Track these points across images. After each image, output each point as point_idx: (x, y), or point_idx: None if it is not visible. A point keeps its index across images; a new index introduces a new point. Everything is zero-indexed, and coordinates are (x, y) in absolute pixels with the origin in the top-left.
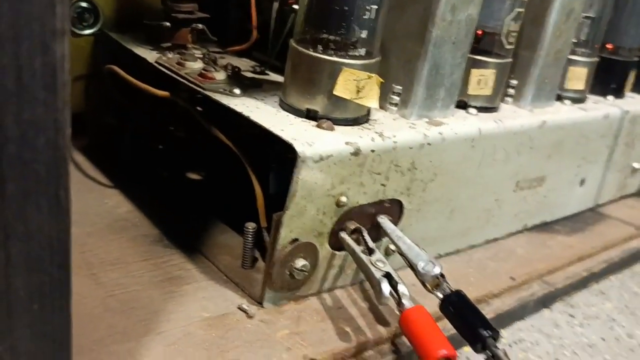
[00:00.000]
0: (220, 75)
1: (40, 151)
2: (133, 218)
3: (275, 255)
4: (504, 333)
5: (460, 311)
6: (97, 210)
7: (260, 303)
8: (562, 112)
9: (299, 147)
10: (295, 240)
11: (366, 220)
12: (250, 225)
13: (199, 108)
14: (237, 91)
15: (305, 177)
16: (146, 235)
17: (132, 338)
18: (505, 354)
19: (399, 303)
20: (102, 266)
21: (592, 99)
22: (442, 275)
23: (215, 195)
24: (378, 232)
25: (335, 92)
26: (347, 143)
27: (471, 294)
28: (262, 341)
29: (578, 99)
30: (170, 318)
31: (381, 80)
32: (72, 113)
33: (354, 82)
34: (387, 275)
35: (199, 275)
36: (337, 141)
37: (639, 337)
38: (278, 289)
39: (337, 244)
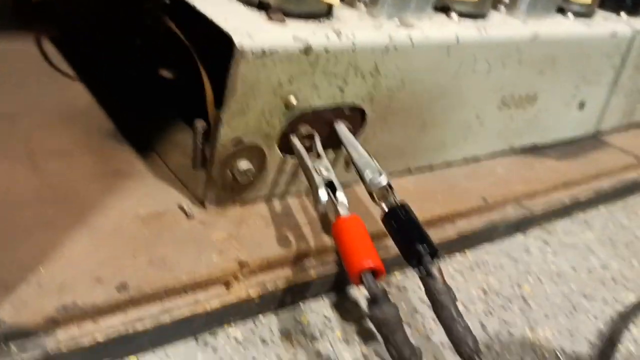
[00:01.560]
0: None
1: None
2: (91, 111)
3: (215, 154)
4: (469, 255)
5: (401, 225)
6: (55, 101)
7: (202, 204)
8: (560, 26)
9: (237, 39)
10: (240, 141)
11: (323, 126)
12: (199, 123)
13: (166, 1)
14: None
15: (245, 72)
16: (100, 128)
17: (59, 228)
18: (440, 271)
19: (336, 211)
20: (45, 156)
21: (601, 14)
22: (389, 186)
23: (178, 92)
24: (337, 141)
25: None
26: (295, 38)
27: (435, 212)
28: (194, 241)
29: (583, 13)
30: (104, 212)
31: None
32: (44, 1)
33: None
34: (329, 183)
35: (145, 172)
36: (284, 35)
37: (613, 269)
38: (220, 190)
39: (289, 148)
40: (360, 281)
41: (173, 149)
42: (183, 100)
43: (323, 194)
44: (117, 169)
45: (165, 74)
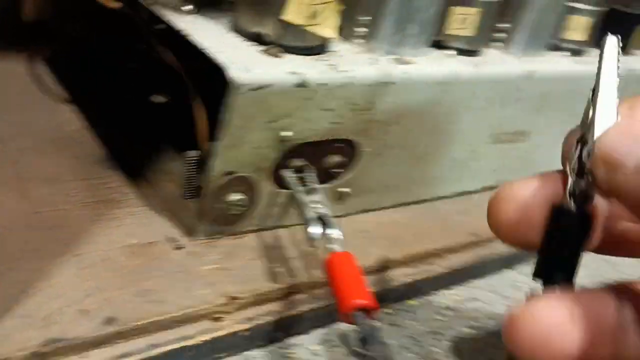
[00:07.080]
0: None
1: None
2: (81, 136)
3: (207, 186)
4: (460, 290)
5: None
6: (44, 125)
7: (192, 235)
8: (554, 63)
9: (233, 72)
10: (232, 173)
11: (317, 160)
12: (191, 153)
13: (161, 26)
14: (188, 7)
15: (239, 106)
16: (90, 154)
17: (45, 257)
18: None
19: (327, 248)
20: (33, 182)
21: (594, 53)
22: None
23: (170, 120)
24: (328, 174)
25: (282, 17)
26: (292, 73)
27: (426, 247)
28: (184, 274)
29: (578, 51)
30: (93, 241)
31: (341, 6)
32: (37, 20)
33: (309, 7)
34: (323, 218)
35: (135, 200)
36: (280, 70)
37: None
38: (211, 222)
39: (281, 181)
40: (351, 320)
41: (164, 177)
42: (175, 127)
43: (315, 230)
44: (106, 197)
45: (158, 99)
